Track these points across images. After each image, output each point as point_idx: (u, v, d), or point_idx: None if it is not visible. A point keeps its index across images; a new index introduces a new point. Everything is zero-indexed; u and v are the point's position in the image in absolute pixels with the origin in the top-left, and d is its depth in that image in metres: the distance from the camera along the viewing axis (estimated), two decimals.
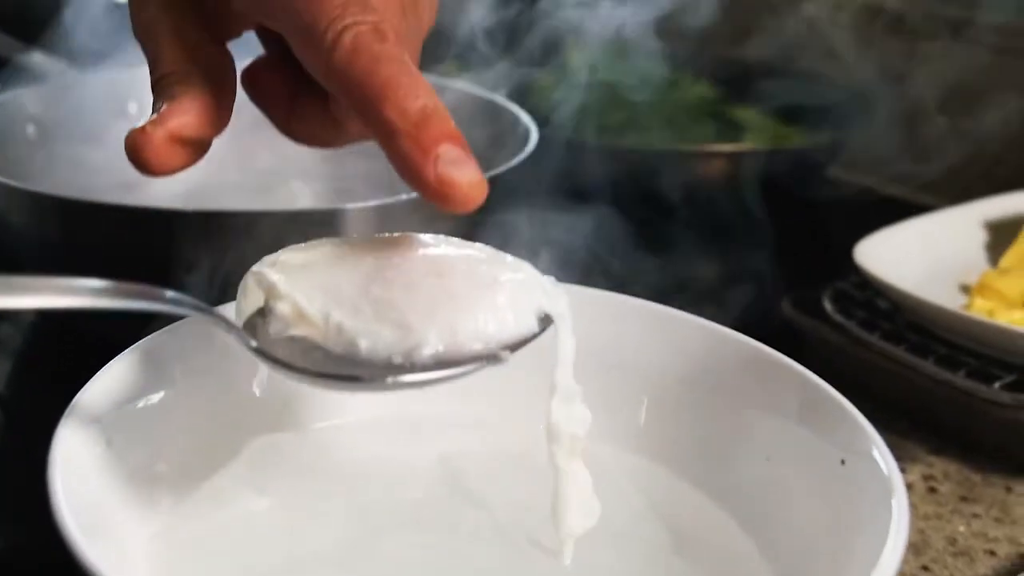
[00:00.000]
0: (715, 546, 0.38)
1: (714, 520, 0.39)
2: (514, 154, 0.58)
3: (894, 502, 0.32)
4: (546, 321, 0.34)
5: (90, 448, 0.34)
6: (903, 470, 0.52)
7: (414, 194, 0.47)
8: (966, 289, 0.60)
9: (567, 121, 0.74)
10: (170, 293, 0.34)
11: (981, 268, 0.61)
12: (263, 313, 0.34)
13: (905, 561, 0.46)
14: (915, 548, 0.47)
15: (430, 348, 0.31)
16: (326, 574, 0.36)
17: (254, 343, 0.33)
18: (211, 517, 0.38)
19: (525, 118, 0.63)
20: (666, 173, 0.71)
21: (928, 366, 0.54)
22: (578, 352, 0.41)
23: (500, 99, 0.67)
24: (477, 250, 0.35)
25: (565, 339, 0.35)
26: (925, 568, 0.46)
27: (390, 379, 0.31)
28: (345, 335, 0.32)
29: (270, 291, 0.33)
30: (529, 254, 0.54)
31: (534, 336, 0.33)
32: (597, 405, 0.42)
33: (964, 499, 0.51)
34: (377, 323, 0.32)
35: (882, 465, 0.34)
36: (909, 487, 0.51)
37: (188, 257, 0.51)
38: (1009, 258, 0.60)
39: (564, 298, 0.34)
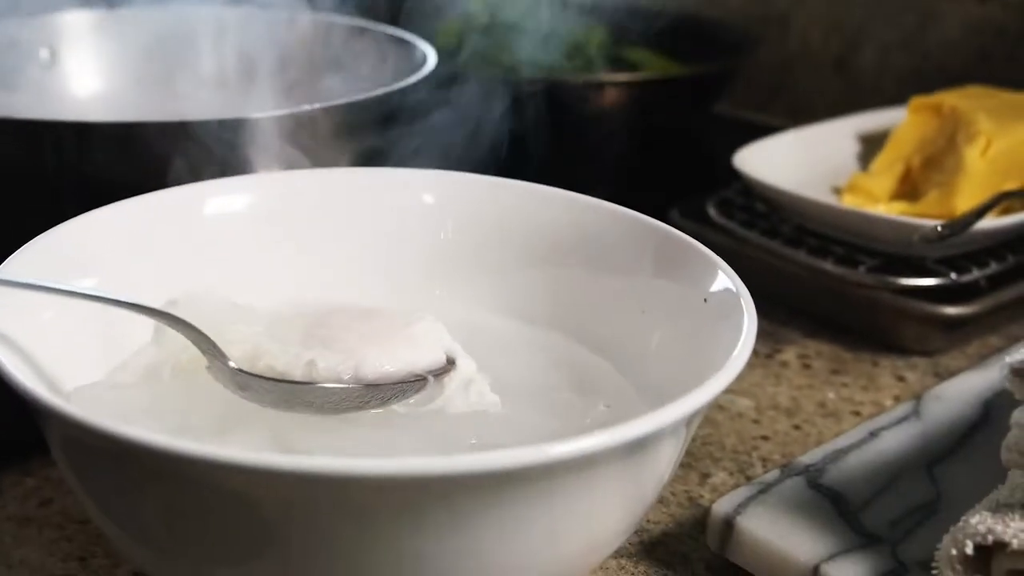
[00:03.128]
0: (604, 386, 0.41)
1: (601, 369, 0.42)
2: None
3: (742, 304, 0.36)
4: (450, 360, 0.40)
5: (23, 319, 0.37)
6: (780, 351, 0.57)
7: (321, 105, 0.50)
8: (837, 191, 0.64)
9: (470, 59, 0.78)
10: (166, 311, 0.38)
11: (852, 174, 0.66)
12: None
13: (778, 421, 0.50)
14: (788, 411, 0.51)
15: (370, 366, 0.38)
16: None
17: (233, 364, 0.38)
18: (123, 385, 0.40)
19: (423, 45, 0.66)
20: (564, 102, 0.75)
21: (801, 256, 0.58)
22: (469, 232, 0.46)
23: (399, 31, 0.70)
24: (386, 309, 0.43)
25: (465, 364, 0.40)
26: (797, 427, 0.50)
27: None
28: (303, 358, 0.38)
29: (231, 341, 0.38)
30: (429, 163, 0.57)
31: (444, 369, 0.40)
32: (494, 282, 0.46)
33: (835, 372, 0.55)
34: (326, 350, 0.39)
35: (731, 287, 0.37)
36: (785, 365, 0.55)
37: (101, 171, 0.52)
38: (878, 163, 0.65)
39: (457, 344, 0.41)
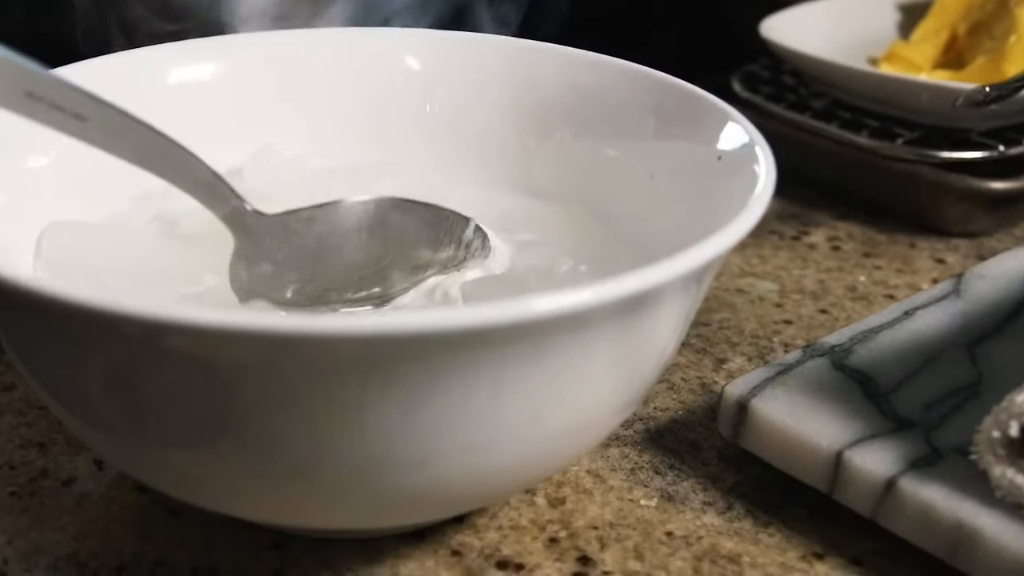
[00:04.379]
0: (609, 257, 0.37)
1: (606, 240, 0.38)
2: None
3: (758, 153, 0.31)
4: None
5: None
6: (808, 233, 0.52)
7: None
8: (874, 62, 0.59)
9: None
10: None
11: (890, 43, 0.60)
12: None
13: (803, 305, 0.46)
14: (814, 295, 0.47)
15: None
16: None
17: (249, 206, 0.34)
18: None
19: None
20: None
21: (832, 130, 0.54)
22: (459, 96, 0.42)
23: None
24: None
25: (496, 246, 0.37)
26: (823, 311, 0.46)
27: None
28: None
29: None
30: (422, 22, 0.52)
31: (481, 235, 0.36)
32: (487, 152, 0.42)
33: (867, 255, 0.51)
34: None
35: (746, 138, 0.33)
36: (813, 247, 0.51)
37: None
38: (920, 31, 0.59)
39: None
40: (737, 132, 0.34)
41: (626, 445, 0.37)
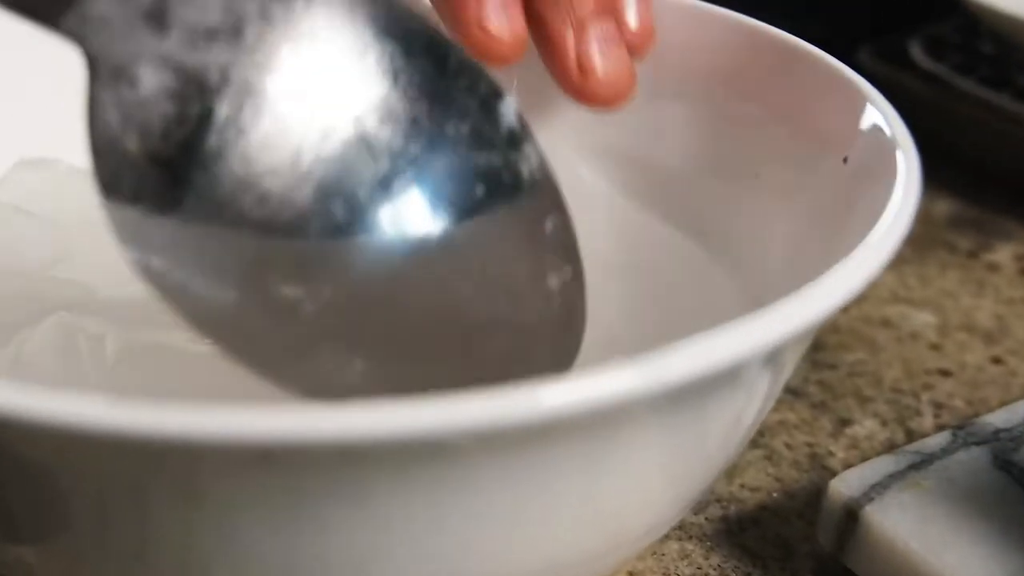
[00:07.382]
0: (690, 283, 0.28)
1: (688, 257, 0.29)
2: None
3: (898, 161, 0.21)
4: None
5: None
6: (990, 248, 0.41)
7: None
8: None
9: None
10: None
11: None
12: None
13: (971, 349, 0.35)
14: (988, 336, 0.36)
15: None
16: None
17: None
18: None
19: None
20: None
21: None
22: None
23: None
24: None
25: None
26: (997, 360, 0.34)
27: None
28: None
29: None
30: None
31: None
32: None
33: None
34: None
35: (886, 132, 0.22)
36: (994, 268, 0.40)
37: None
38: None
39: None
40: (875, 123, 0.23)
41: (690, 538, 0.28)
